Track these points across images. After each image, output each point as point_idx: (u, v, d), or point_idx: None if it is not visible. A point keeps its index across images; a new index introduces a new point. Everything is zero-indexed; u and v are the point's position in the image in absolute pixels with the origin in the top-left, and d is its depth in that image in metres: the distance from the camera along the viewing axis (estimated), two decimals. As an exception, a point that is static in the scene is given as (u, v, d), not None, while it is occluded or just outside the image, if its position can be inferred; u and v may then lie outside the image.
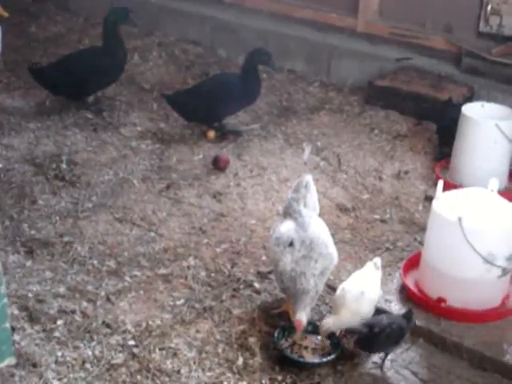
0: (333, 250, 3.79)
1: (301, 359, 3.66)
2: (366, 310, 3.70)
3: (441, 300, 3.93)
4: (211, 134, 5.87)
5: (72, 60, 6.17)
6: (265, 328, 3.87)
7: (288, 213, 3.89)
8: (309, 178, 3.95)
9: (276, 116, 6.31)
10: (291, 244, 3.70)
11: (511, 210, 3.92)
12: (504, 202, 3.99)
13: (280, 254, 3.72)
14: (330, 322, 3.66)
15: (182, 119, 5.95)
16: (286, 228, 3.79)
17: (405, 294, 4.07)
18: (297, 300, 3.67)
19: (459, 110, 5.10)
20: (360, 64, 6.78)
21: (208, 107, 5.73)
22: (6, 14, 5.91)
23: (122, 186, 5.16)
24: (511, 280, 4.05)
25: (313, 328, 3.79)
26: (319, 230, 3.80)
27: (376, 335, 3.57)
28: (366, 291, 3.69)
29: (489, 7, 6.18)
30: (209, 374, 3.60)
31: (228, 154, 5.57)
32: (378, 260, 3.86)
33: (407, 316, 3.71)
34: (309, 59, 7.09)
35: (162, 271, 4.31)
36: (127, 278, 4.23)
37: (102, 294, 4.09)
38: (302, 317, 3.65)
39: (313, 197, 3.96)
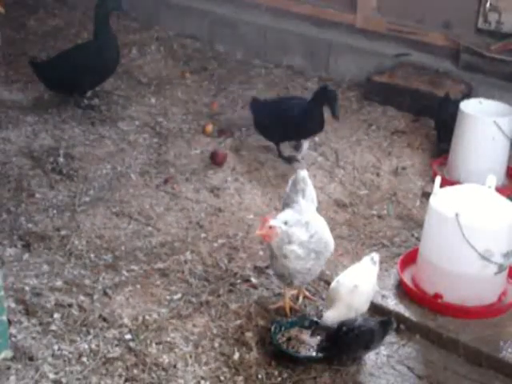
0: (328, 236, 3.82)
1: (297, 354, 3.66)
2: (360, 303, 3.70)
3: (437, 296, 3.93)
4: (209, 128, 5.87)
5: (66, 56, 6.11)
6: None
7: (287, 204, 3.97)
8: (304, 173, 4.00)
9: (274, 111, 6.30)
10: (285, 223, 3.72)
11: (508, 206, 3.92)
12: (501, 198, 3.99)
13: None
14: (331, 316, 3.65)
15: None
16: (283, 213, 3.86)
17: (401, 289, 4.08)
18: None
19: (457, 107, 5.10)
20: (358, 60, 6.78)
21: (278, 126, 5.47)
22: (2, 10, 5.88)
23: (119, 180, 5.16)
24: (508, 277, 4.07)
25: (309, 323, 3.79)
26: (315, 217, 3.87)
27: (343, 335, 3.56)
28: (359, 284, 3.69)
29: (488, 4, 6.17)
30: (205, 368, 3.60)
31: (226, 149, 5.57)
32: (375, 255, 3.87)
33: (385, 323, 3.67)
34: (307, 55, 7.09)
35: (159, 265, 4.31)
36: (124, 272, 4.24)
37: (99, 287, 4.09)
38: (274, 221, 3.67)
39: (311, 190, 4.01)
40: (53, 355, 3.62)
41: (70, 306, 3.94)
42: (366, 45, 6.85)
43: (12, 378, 3.48)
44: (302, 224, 3.73)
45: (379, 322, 3.65)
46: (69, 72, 5.95)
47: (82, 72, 5.93)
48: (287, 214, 3.82)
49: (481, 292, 3.93)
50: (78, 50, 6.21)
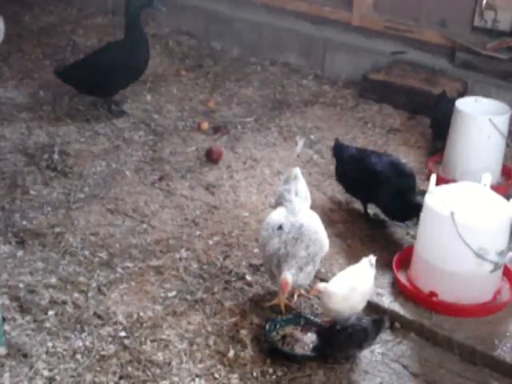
0: (323, 236, 3.81)
1: (292, 352, 3.66)
2: (355, 302, 3.69)
3: (432, 294, 3.93)
4: (205, 125, 5.86)
5: (97, 57, 5.96)
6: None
7: (279, 202, 3.97)
8: (297, 170, 4.02)
9: (269, 109, 6.30)
10: (280, 228, 3.72)
11: (503, 205, 3.92)
12: (496, 197, 3.99)
13: (268, 237, 3.75)
14: (323, 285, 3.68)
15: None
16: (277, 214, 3.86)
17: (397, 287, 4.07)
18: (282, 263, 3.68)
19: (453, 105, 5.10)
20: (354, 57, 6.78)
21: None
22: None
23: (114, 177, 5.15)
24: (503, 275, 4.07)
25: (304, 321, 3.79)
26: (309, 217, 3.86)
27: (336, 333, 3.56)
28: (356, 285, 3.69)
29: (484, 2, 6.18)
30: (200, 365, 3.59)
31: (221, 146, 5.56)
32: (372, 258, 3.85)
33: (377, 322, 3.67)
34: (303, 52, 7.09)
35: (154, 263, 4.30)
36: (119, 270, 4.23)
37: (94, 285, 4.08)
38: (287, 276, 3.64)
39: (304, 188, 4.03)
40: (47, 352, 3.61)
41: (65, 303, 3.93)
42: (362, 43, 6.85)
43: (6, 375, 3.47)
44: (297, 228, 3.71)
45: (372, 321, 3.65)
46: (98, 73, 5.81)
47: (111, 73, 5.81)
48: (281, 215, 3.82)
49: (476, 290, 3.93)
50: (108, 49, 6.04)
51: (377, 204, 4.66)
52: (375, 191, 4.53)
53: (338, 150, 4.88)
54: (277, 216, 3.85)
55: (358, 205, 4.93)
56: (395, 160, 4.66)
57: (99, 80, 5.86)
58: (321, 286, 3.70)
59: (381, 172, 4.50)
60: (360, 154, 4.78)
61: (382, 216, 4.74)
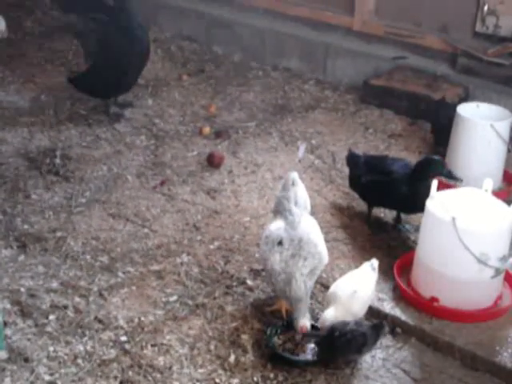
0: (322, 248, 3.77)
1: (293, 357, 3.65)
2: (357, 308, 3.70)
3: (433, 299, 3.93)
4: (206, 130, 5.87)
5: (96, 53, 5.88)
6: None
7: (278, 211, 3.90)
8: (294, 175, 3.97)
9: (271, 114, 6.31)
10: (280, 243, 3.70)
11: (505, 210, 3.92)
12: (498, 202, 3.99)
13: (268, 252, 3.72)
14: (331, 315, 3.65)
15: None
16: (276, 227, 3.80)
17: (398, 292, 4.07)
18: (293, 307, 3.68)
19: (454, 110, 5.10)
20: (355, 63, 6.79)
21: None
22: None
23: (115, 182, 5.15)
24: (504, 280, 4.06)
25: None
26: (309, 229, 3.79)
27: (335, 339, 3.55)
28: (358, 290, 3.69)
29: (485, 7, 6.18)
30: (201, 370, 3.59)
31: (223, 151, 5.56)
32: (374, 261, 3.85)
33: (377, 327, 3.66)
34: (304, 57, 7.10)
35: (155, 267, 4.30)
36: (120, 274, 4.23)
37: (95, 289, 4.08)
38: (306, 322, 3.65)
39: (302, 194, 3.98)
40: (48, 357, 3.61)
41: (66, 307, 3.93)
42: (364, 48, 6.86)
43: (7, 379, 3.47)
44: (296, 244, 3.69)
45: (371, 326, 3.65)
46: (103, 74, 5.75)
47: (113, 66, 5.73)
48: (280, 228, 3.77)
49: (477, 296, 3.92)
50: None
51: (393, 202, 4.68)
52: (392, 189, 4.55)
53: (352, 158, 4.92)
54: (276, 229, 3.78)
55: (359, 209, 4.94)
56: (407, 162, 4.75)
57: (108, 79, 5.81)
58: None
59: (396, 171, 4.57)
60: (374, 159, 4.87)
61: (384, 221, 4.76)
